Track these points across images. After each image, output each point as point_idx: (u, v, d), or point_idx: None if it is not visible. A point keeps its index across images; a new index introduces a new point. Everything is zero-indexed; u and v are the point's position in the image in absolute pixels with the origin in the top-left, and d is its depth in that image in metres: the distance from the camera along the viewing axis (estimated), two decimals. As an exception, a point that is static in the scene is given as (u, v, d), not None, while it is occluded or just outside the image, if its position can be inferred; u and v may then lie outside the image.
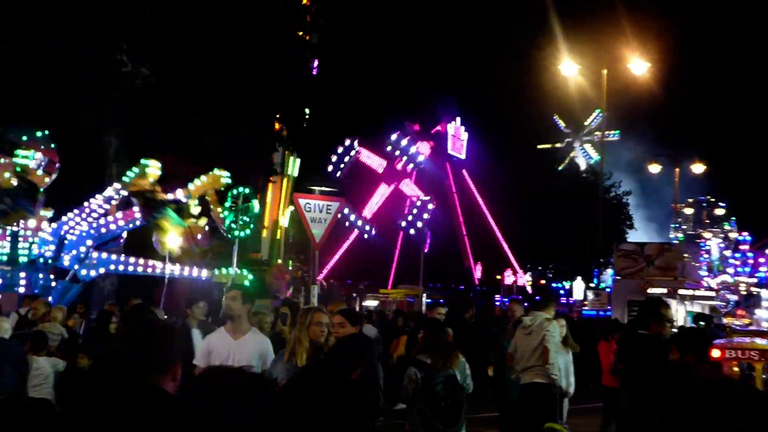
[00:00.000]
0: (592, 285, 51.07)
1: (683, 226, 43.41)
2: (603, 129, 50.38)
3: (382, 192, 69.92)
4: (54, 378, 12.69)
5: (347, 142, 62.48)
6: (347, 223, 60.71)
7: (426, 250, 45.71)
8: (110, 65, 30.06)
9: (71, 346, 14.02)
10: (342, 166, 63.47)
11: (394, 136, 67.39)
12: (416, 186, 68.88)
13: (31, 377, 12.48)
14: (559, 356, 12.68)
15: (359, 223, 58.00)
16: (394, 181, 69.87)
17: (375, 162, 68.61)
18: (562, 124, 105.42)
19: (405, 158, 68.13)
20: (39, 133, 25.09)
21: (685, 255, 38.81)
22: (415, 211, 64.78)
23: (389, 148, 67.65)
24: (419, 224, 62.79)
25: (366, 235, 56.41)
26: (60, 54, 28.65)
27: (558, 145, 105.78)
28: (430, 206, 64.50)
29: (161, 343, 4.57)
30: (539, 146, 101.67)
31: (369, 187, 68.96)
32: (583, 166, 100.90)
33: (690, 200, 60.19)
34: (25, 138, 24.73)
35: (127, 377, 4.43)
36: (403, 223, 65.32)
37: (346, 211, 60.16)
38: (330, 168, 62.70)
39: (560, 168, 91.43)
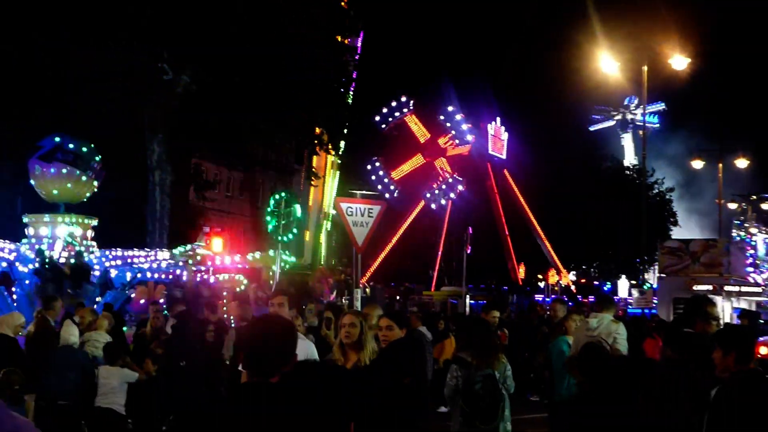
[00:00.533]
0: (636, 283, 50.74)
1: (745, 224, 43.11)
2: (645, 124, 50.01)
3: (416, 162, 69.65)
4: (124, 388, 12.82)
5: (403, 99, 62.49)
6: (373, 177, 60.97)
7: (468, 251, 45.56)
8: (151, 73, 30.31)
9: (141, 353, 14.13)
10: (390, 119, 63.73)
11: (450, 107, 67.31)
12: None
13: (100, 386, 12.65)
14: None
15: (385, 180, 58.00)
16: (431, 156, 69.71)
17: (420, 130, 68.53)
18: (607, 109, 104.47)
19: (453, 132, 67.97)
20: (80, 141, 25.27)
21: (730, 249, 38.44)
22: (444, 186, 64.74)
23: (442, 117, 67.53)
24: (443, 201, 62.69)
25: (388, 195, 56.43)
26: (106, 62, 28.91)
27: (608, 125, 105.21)
28: (460, 187, 64.42)
29: (285, 338, 4.74)
30: (592, 128, 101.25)
31: (405, 152, 68.75)
32: (630, 154, 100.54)
33: (737, 195, 60.03)
34: (72, 146, 24.93)
35: (256, 373, 4.62)
36: (428, 195, 65.28)
37: (377, 164, 60.52)
38: (377, 118, 62.90)
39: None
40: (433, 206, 52.54)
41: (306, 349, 8.71)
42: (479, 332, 10.30)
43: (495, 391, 9.57)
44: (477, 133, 73.01)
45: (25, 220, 24.97)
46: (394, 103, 62.36)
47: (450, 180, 63.39)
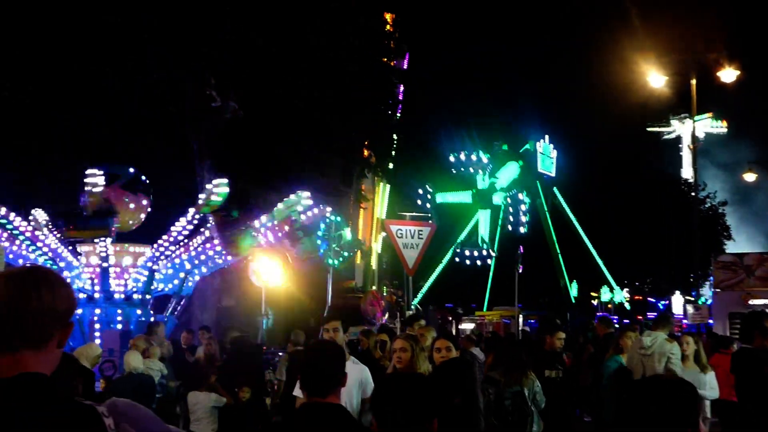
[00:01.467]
0: (691, 299, 50.26)
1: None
2: (694, 139, 49.57)
3: (485, 217, 70.11)
4: (215, 413, 12.88)
5: (420, 191, 62.34)
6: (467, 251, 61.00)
7: (520, 271, 45.29)
8: (199, 100, 30.54)
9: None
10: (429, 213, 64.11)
11: (452, 157, 67.11)
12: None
13: (191, 412, 12.74)
14: (687, 374, 12.41)
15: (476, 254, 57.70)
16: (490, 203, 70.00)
17: (461, 196, 68.87)
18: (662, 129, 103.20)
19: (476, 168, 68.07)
20: (129, 169, 25.54)
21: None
22: (511, 209, 64.52)
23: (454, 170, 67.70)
24: (524, 219, 62.55)
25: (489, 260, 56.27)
26: (154, 88, 29.19)
27: (667, 129, 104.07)
28: (527, 201, 64.30)
29: (335, 361, 5.17)
30: (649, 128, 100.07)
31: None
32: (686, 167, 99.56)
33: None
34: (115, 174, 25.20)
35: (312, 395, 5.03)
36: (510, 227, 65.03)
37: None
38: (452, 159, 63.14)
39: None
40: (523, 230, 52.48)
41: (360, 373, 8.68)
42: (508, 352, 10.74)
43: (524, 407, 10.03)
44: (527, 154, 72.98)
45: (79, 249, 25.26)
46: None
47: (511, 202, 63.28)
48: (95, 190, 24.25)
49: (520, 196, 66.73)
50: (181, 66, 29.16)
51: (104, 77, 28.51)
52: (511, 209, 65.89)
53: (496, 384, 10.13)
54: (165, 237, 25.48)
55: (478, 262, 62.49)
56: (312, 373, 5.06)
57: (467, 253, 62.29)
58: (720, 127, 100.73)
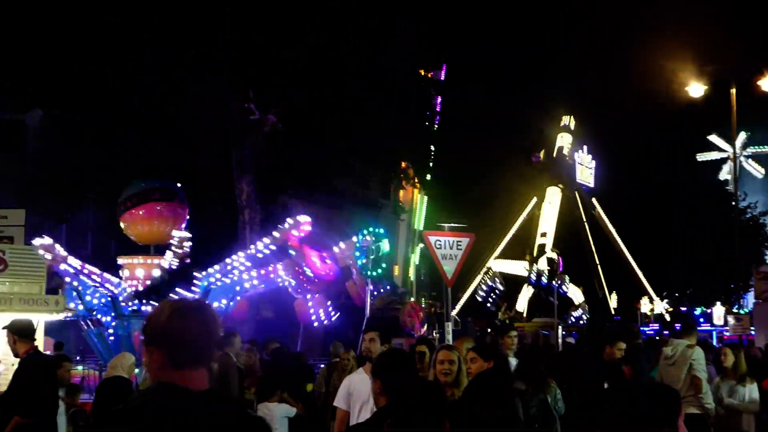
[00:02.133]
0: (732, 310, 49.86)
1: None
2: (735, 148, 49.31)
3: None
4: (285, 423, 12.91)
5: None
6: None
7: (561, 289, 45.27)
8: (238, 114, 30.77)
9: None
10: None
11: None
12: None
13: None
14: (724, 385, 12.37)
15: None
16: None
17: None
18: (721, 142, 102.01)
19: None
20: (165, 183, 25.76)
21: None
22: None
23: None
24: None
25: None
26: (194, 102, 29.45)
27: (719, 155, 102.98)
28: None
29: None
30: (699, 157, 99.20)
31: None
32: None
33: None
34: (150, 188, 25.40)
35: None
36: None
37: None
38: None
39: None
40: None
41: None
42: (531, 363, 11.26)
43: (548, 413, 10.23)
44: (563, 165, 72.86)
45: (120, 262, 25.47)
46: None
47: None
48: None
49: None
50: (221, 80, 29.42)
51: (144, 90, 28.84)
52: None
53: (522, 394, 10.27)
54: (218, 267, 25.39)
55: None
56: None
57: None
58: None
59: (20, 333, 10.15)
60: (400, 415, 5.19)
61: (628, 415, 4.37)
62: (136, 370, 13.46)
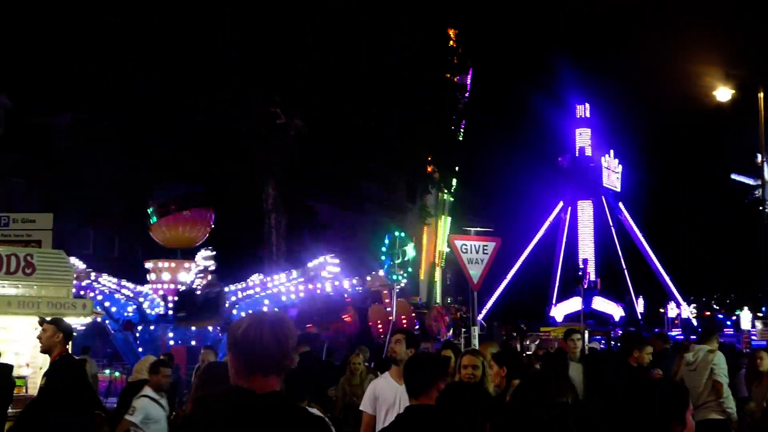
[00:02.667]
0: (760, 314, 49.48)
1: None
2: (762, 151, 48.99)
3: None
4: None
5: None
6: None
7: (585, 287, 44.98)
8: (264, 117, 30.84)
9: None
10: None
11: None
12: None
13: None
14: (756, 392, 12.26)
15: None
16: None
17: None
18: (747, 181, 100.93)
19: None
20: (191, 188, 25.85)
21: None
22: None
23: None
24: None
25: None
26: (220, 107, 29.55)
27: (752, 183, 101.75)
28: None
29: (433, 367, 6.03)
30: (734, 177, 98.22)
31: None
32: None
33: None
34: (176, 193, 25.51)
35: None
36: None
37: None
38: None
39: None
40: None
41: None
42: (556, 367, 11.39)
43: (566, 416, 10.08)
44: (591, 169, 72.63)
45: (147, 266, 25.58)
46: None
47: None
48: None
49: None
50: (247, 84, 29.50)
51: (170, 94, 28.97)
52: None
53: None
54: (243, 285, 25.43)
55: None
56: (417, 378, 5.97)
57: None
58: None
59: (67, 333, 10.15)
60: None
61: (637, 412, 4.44)
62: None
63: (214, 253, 25.10)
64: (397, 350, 8.62)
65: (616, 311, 67.65)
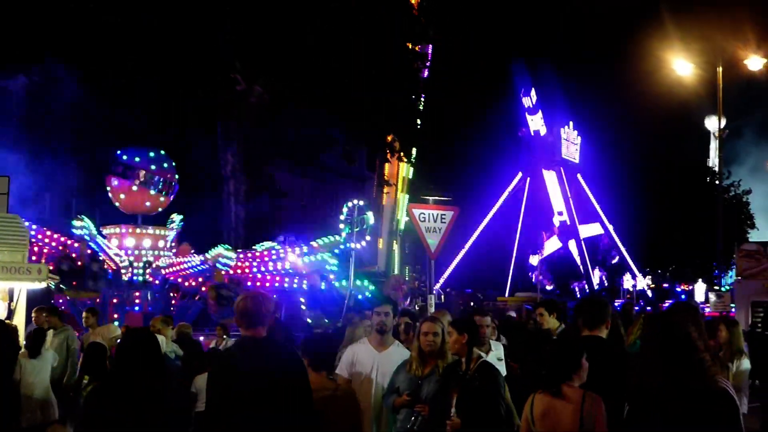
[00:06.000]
0: (715, 287, 50.01)
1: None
2: (720, 126, 49.36)
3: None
4: None
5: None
6: None
7: (543, 257, 45.23)
8: (224, 83, 30.60)
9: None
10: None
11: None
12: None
13: None
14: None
15: None
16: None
17: None
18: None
19: None
20: (153, 154, 25.57)
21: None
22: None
23: None
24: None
25: None
26: (180, 72, 29.28)
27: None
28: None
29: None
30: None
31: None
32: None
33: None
34: (138, 159, 25.26)
35: None
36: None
37: None
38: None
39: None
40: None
41: (406, 357, 8.72)
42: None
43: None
44: (550, 137, 72.87)
45: (105, 232, 25.33)
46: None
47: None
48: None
49: None
50: (208, 51, 29.24)
51: (131, 61, 28.65)
52: None
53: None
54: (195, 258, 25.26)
55: None
56: None
57: None
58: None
59: None
60: None
61: (548, 364, 6.15)
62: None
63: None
64: (387, 322, 8.80)
65: (596, 229, 69.11)
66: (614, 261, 57.91)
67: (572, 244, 65.80)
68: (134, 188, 25.05)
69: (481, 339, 8.83)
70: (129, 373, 6.30)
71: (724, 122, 40.15)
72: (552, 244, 70.61)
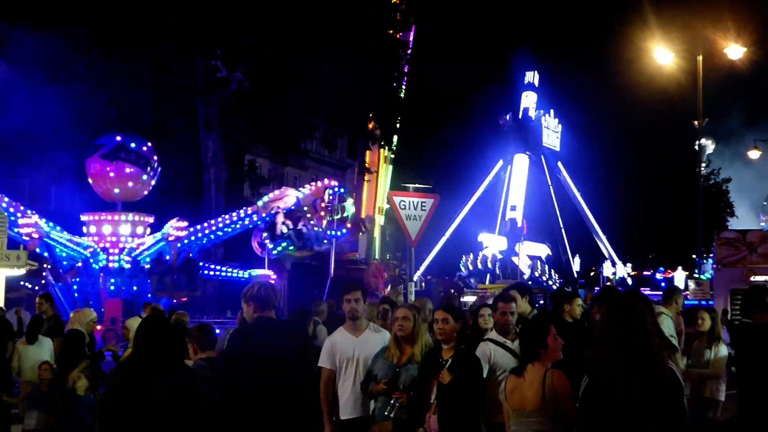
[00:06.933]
0: (693, 275, 50.21)
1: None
2: (700, 116, 49.52)
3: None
4: None
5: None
6: None
7: (523, 245, 45.22)
8: (205, 70, 30.48)
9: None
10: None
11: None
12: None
13: None
14: (696, 350, 12.25)
15: None
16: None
17: None
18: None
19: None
20: (145, 147, 25.51)
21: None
22: None
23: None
24: None
25: None
26: (162, 59, 29.16)
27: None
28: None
29: None
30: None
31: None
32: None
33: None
34: (133, 145, 25.16)
35: None
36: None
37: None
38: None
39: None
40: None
41: (384, 339, 8.73)
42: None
43: None
44: (531, 125, 72.86)
45: (84, 218, 25.21)
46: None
47: None
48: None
49: None
50: (190, 37, 29.11)
51: (114, 41, 28.54)
52: None
53: None
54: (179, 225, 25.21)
55: None
56: None
57: None
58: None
59: None
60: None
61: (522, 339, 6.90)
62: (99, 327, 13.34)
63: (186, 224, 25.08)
64: (358, 308, 8.75)
65: (543, 251, 68.33)
66: (554, 287, 57.75)
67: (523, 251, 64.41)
68: (117, 178, 24.98)
69: (506, 327, 8.68)
70: (152, 364, 6.26)
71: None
72: (494, 241, 69.43)
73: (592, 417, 5.39)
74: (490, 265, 63.80)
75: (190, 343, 7.81)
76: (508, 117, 74.57)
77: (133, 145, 25.45)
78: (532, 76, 75.62)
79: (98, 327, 14.64)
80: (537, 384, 6.38)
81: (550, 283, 63.18)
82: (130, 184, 25.30)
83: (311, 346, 9.14)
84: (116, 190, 25.36)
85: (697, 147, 39.62)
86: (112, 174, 25.07)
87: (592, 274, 73.27)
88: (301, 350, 7.67)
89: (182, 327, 15.79)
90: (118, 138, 25.35)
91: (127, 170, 25.16)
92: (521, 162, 74.11)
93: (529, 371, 6.47)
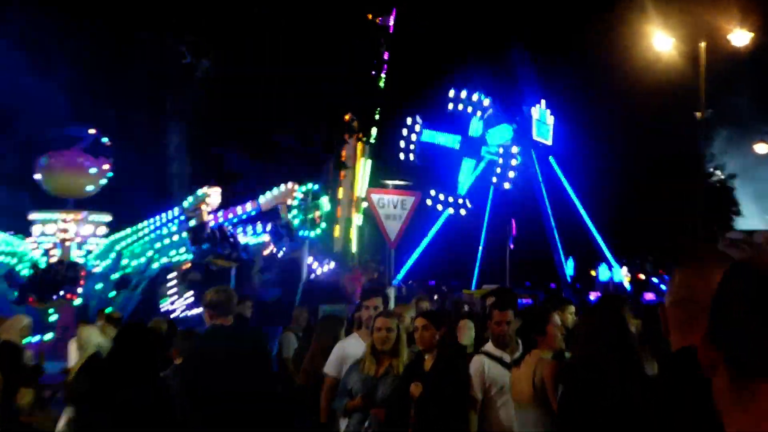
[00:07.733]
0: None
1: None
2: (702, 108, 49.55)
3: (468, 167, 69.18)
4: None
5: (409, 121, 61.89)
6: (439, 206, 60.64)
7: (512, 246, 45.19)
8: (171, 57, 30.33)
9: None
10: (412, 148, 62.82)
11: (452, 92, 66.49)
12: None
13: None
14: None
15: (450, 200, 57.42)
16: (478, 154, 69.26)
17: (448, 139, 67.84)
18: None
19: (474, 110, 67.35)
20: (93, 131, 25.29)
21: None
22: (501, 161, 63.97)
23: (451, 106, 66.70)
24: (511, 174, 62.00)
25: (463, 211, 56.12)
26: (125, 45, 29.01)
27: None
28: (516, 151, 63.66)
29: None
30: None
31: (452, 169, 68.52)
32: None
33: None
34: (78, 133, 24.95)
35: None
36: (495, 179, 64.47)
37: (432, 193, 59.55)
38: (401, 156, 62.18)
39: None
40: (507, 186, 52.61)
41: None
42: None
43: None
44: (520, 121, 72.56)
45: (31, 217, 24.96)
46: (404, 131, 62.04)
47: (501, 151, 62.95)
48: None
49: (514, 149, 66.07)
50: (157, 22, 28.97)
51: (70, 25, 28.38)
52: (501, 161, 65.35)
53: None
54: (129, 231, 25.07)
55: (451, 210, 62.32)
56: None
57: (441, 197, 61.59)
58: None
59: None
60: None
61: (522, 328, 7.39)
62: (33, 338, 13.16)
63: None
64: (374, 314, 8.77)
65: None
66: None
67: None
68: (66, 169, 24.76)
69: (503, 338, 8.39)
70: (124, 376, 6.66)
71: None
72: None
73: (577, 415, 5.76)
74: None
75: (174, 348, 8.93)
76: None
77: (91, 131, 25.25)
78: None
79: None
80: (530, 375, 6.81)
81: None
82: (76, 174, 25.02)
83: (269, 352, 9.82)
84: (64, 185, 25.12)
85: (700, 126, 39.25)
86: (60, 163, 24.84)
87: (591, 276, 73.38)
88: (260, 358, 7.73)
89: (159, 335, 15.76)
90: (72, 129, 25.16)
91: (79, 160, 24.95)
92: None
93: (526, 362, 6.96)
